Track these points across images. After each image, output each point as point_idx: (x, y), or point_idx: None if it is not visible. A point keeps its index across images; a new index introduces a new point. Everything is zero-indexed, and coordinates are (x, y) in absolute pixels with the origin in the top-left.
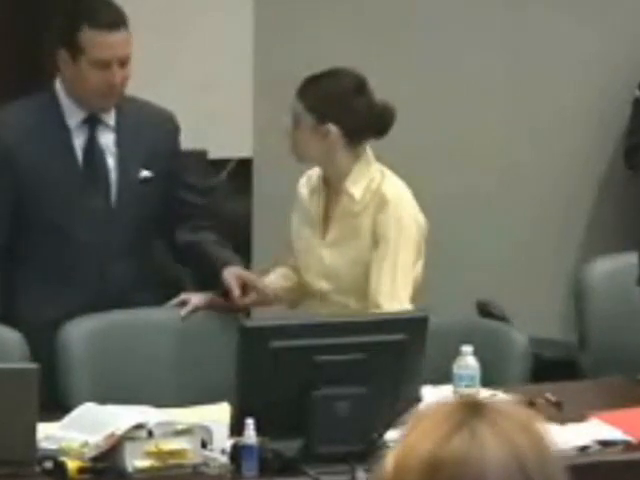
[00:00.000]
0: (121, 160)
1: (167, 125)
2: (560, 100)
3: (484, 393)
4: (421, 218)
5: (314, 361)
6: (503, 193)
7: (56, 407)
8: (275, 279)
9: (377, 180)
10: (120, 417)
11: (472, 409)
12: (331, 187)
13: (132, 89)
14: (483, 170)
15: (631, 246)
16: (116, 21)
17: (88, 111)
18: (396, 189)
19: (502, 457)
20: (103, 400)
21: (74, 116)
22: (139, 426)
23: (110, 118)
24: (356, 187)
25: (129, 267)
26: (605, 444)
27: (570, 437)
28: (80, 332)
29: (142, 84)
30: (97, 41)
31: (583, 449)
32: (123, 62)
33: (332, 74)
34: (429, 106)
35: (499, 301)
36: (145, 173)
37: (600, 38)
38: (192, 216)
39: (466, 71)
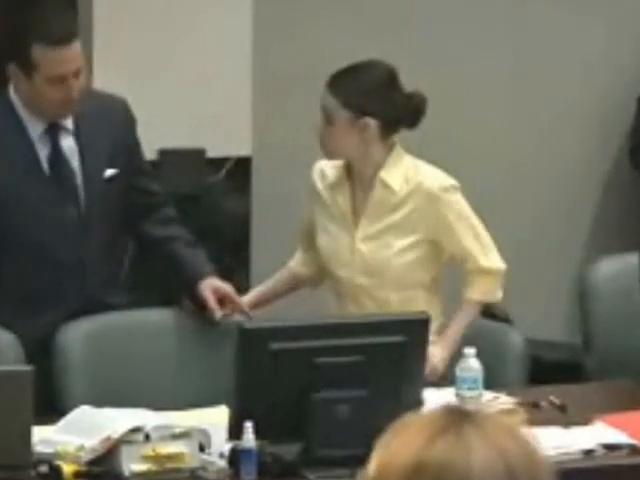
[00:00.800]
0: (84, 163)
1: (124, 116)
2: (563, 99)
3: (487, 396)
4: (456, 184)
5: (314, 363)
6: (506, 193)
7: (51, 410)
8: (295, 266)
9: (412, 170)
10: (116, 420)
11: (458, 415)
12: (358, 180)
13: (131, 87)
14: (486, 170)
15: (635, 246)
16: (67, 34)
17: (47, 121)
18: (434, 178)
19: (489, 461)
20: (99, 403)
21: (35, 127)
22: (136, 429)
23: (68, 122)
24: (393, 178)
25: (107, 269)
26: (610, 448)
27: (575, 440)
28: (76, 334)
29: (141, 82)
30: (50, 58)
31: (588, 453)
32: (77, 73)
33: (364, 67)
34: (430, 106)
35: (502, 302)
36: (110, 171)
37: (604, 36)
38: (157, 206)
39: (468, 70)
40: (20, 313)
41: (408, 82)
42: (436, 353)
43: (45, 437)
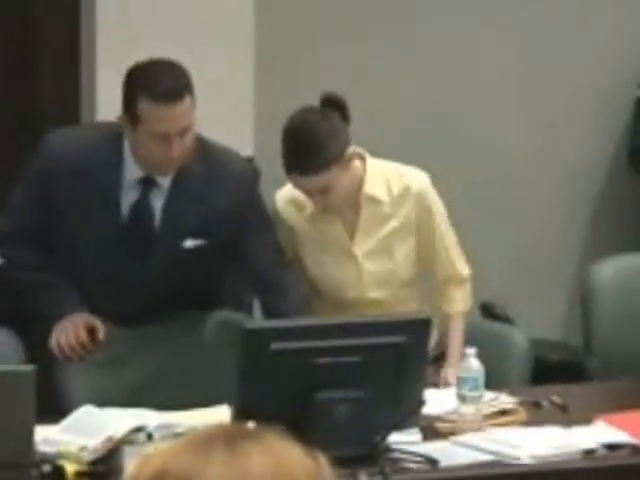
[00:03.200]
0: (164, 226)
1: (241, 186)
2: (563, 101)
3: (488, 396)
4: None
5: (314, 363)
6: (506, 195)
7: (54, 410)
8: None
9: (390, 174)
10: (119, 420)
11: (226, 433)
12: (343, 203)
13: None
14: (486, 172)
15: (635, 247)
16: (175, 91)
17: (145, 172)
18: (416, 177)
19: (227, 475)
20: (102, 403)
21: (131, 172)
22: (138, 429)
23: (165, 180)
24: (378, 190)
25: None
26: (611, 447)
27: (576, 440)
28: None
29: None
30: (154, 114)
31: (589, 452)
32: (183, 132)
33: (311, 131)
34: (431, 110)
35: (503, 303)
36: (191, 242)
37: (602, 39)
38: (265, 276)
39: (470, 77)
40: None
41: (411, 84)
42: (451, 379)
43: (48, 437)
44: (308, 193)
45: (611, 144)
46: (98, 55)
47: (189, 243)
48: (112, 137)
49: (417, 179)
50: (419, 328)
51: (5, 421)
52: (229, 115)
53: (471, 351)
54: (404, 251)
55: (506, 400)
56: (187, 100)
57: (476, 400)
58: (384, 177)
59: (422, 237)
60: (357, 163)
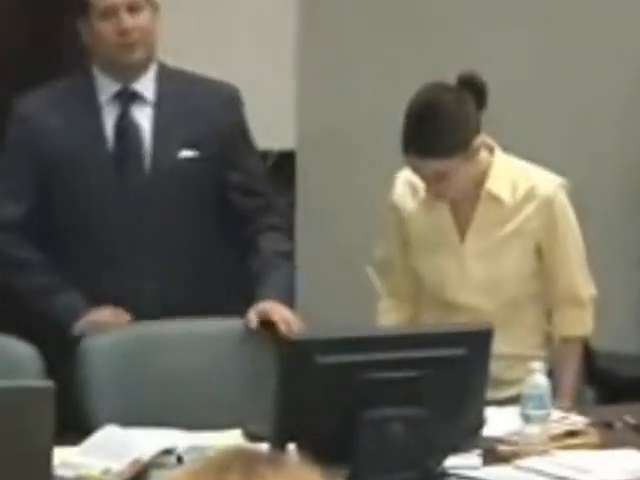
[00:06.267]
0: (156, 137)
1: (227, 103)
2: (621, 98)
3: (555, 415)
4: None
5: (364, 378)
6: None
7: (74, 429)
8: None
9: (519, 175)
10: (146, 441)
11: (243, 458)
12: (460, 194)
13: None
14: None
15: None
16: None
17: (121, 82)
18: (546, 180)
19: None
20: (127, 422)
21: (106, 91)
22: (167, 451)
23: (148, 90)
24: (501, 189)
25: (161, 256)
26: None
27: None
28: (101, 346)
29: None
30: None
31: None
32: (131, 7)
33: (436, 107)
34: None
35: None
36: (186, 153)
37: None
38: (257, 209)
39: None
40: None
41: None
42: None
43: (67, 459)
44: (424, 178)
45: None
46: None
47: (183, 154)
48: (75, 76)
49: (547, 184)
50: (480, 340)
51: (21, 442)
52: (269, 107)
53: (537, 365)
54: (516, 259)
55: (574, 420)
56: None
57: (542, 420)
58: (511, 176)
59: (543, 249)
60: (484, 154)
